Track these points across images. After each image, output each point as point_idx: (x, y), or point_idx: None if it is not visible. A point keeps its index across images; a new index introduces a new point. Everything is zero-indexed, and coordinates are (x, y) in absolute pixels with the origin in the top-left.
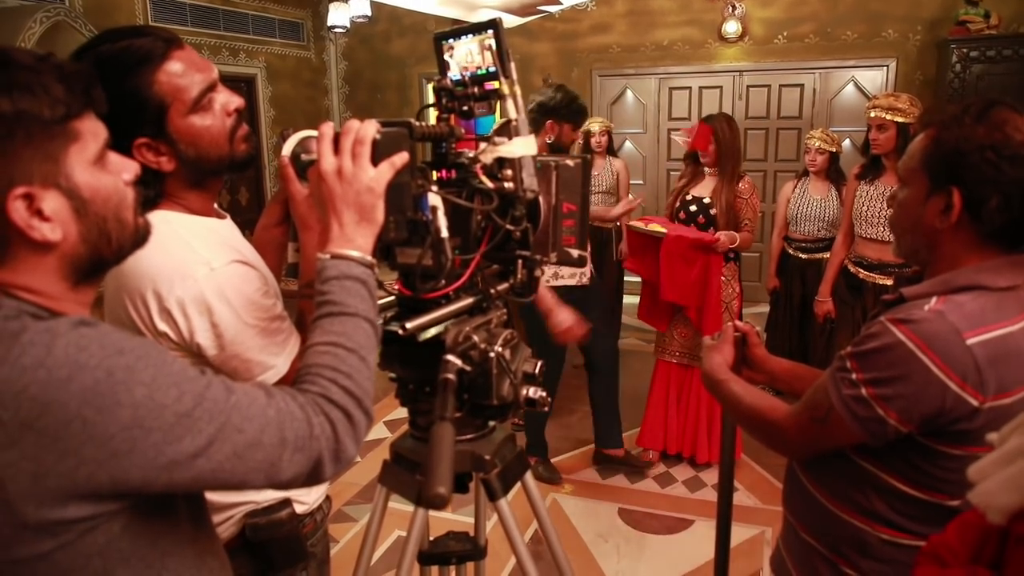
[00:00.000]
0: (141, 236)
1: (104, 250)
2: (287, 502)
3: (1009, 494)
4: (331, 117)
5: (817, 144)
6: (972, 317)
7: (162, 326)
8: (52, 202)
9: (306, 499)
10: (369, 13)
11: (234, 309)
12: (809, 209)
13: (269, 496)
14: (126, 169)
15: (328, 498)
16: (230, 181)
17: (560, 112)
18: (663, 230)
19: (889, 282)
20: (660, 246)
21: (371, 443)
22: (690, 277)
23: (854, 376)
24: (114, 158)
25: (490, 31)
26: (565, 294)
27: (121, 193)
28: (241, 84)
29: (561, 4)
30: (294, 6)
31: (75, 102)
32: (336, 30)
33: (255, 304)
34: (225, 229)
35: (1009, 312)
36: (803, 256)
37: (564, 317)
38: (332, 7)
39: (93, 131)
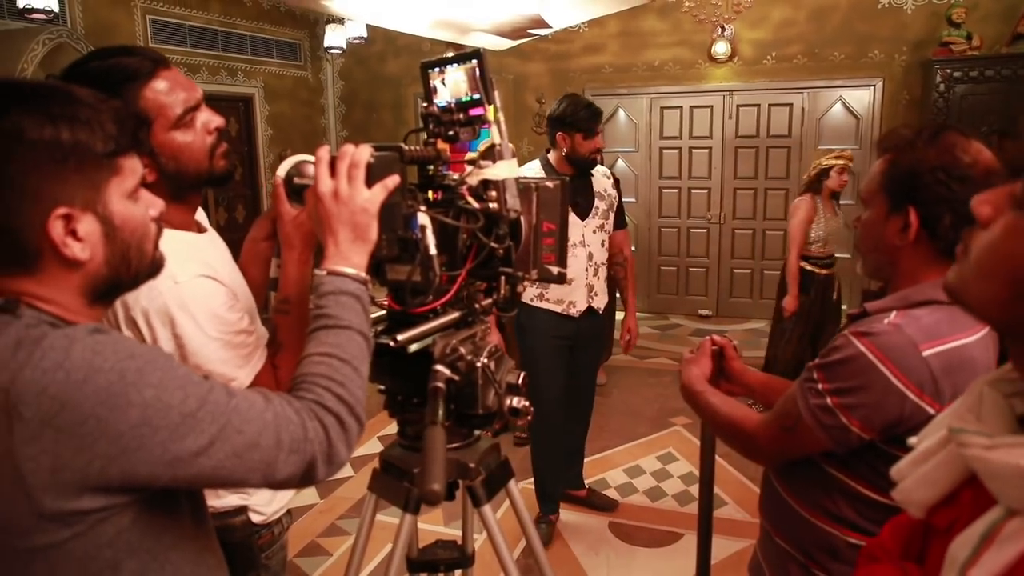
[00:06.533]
0: (156, 267)
1: (123, 274)
2: (243, 509)
3: (924, 489)
4: (327, 136)
5: (846, 164)
6: (928, 330)
7: (128, 335)
8: (87, 225)
9: (264, 510)
10: (365, 34)
11: (197, 321)
12: (828, 227)
13: (227, 503)
14: (153, 205)
15: (289, 512)
16: (226, 199)
17: (566, 122)
18: None
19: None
20: None
21: (365, 458)
22: None
23: (820, 386)
24: (145, 194)
25: (475, 60)
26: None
27: (147, 226)
28: (239, 103)
29: (551, 27)
30: (291, 27)
31: (124, 141)
32: (333, 51)
33: (219, 318)
34: (203, 243)
35: (963, 325)
36: (823, 272)
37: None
38: (329, 28)
39: (133, 168)
